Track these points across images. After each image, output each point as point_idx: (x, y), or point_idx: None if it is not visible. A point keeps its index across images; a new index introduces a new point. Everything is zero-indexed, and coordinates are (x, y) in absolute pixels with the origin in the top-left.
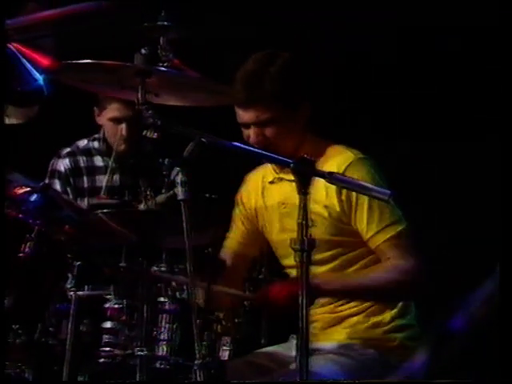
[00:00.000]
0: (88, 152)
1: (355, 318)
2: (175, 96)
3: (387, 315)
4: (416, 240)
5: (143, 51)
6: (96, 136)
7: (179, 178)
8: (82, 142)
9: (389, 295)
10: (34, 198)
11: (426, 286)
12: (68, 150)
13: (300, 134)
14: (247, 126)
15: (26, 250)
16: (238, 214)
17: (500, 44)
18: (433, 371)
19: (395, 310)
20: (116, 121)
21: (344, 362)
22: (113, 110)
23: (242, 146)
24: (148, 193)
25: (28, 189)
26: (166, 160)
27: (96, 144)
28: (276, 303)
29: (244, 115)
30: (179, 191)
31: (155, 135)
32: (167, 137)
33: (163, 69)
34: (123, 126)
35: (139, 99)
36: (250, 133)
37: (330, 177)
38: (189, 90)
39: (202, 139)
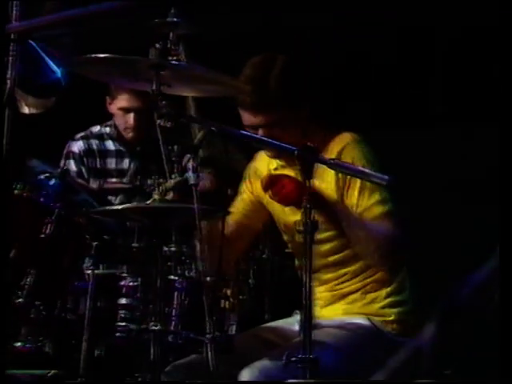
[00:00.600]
0: (100, 136)
1: (353, 296)
2: (186, 87)
3: (383, 292)
4: (400, 219)
5: (157, 46)
6: (108, 123)
7: (190, 164)
8: (95, 128)
9: (374, 241)
10: (52, 182)
11: (400, 253)
12: (82, 134)
13: (303, 128)
14: (255, 127)
15: (47, 231)
16: (244, 187)
17: (497, 44)
18: (439, 345)
19: (390, 288)
20: (125, 110)
21: (343, 335)
22: (122, 101)
23: (250, 134)
24: (158, 178)
25: (47, 174)
26: (176, 147)
27: (108, 129)
28: (287, 196)
29: (251, 119)
30: (191, 176)
31: (169, 124)
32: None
33: (175, 62)
34: (131, 115)
35: (154, 90)
36: (258, 133)
37: (331, 163)
38: (198, 82)
39: (212, 128)
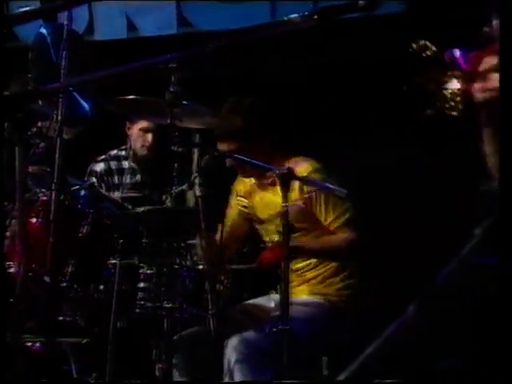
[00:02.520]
0: (118, 158)
1: (315, 280)
2: (192, 121)
3: (337, 278)
4: (358, 221)
5: (171, 89)
6: (123, 147)
7: (197, 181)
8: (113, 151)
9: (338, 252)
10: (82, 193)
11: (361, 250)
12: (102, 157)
13: (267, 154)
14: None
15: (84, 231)
16: (233, 200)
17: None
18: (420, 323)
19: (343, 275)
20: (145, 131)
21: (308, 311)
22: (143, 123)
23: (243, 157)
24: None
25: (77, 186)
26: (176, 165)
27: (123, 152)
28: (269, 264)
29: (220, 145)
30: (197, 190)
31: (180, 149)
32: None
33: (185, 102)
34: (149, 135)
35: (169, 123)
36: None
37: (304, 180)
38: (201, 117)
39: (215, 153)
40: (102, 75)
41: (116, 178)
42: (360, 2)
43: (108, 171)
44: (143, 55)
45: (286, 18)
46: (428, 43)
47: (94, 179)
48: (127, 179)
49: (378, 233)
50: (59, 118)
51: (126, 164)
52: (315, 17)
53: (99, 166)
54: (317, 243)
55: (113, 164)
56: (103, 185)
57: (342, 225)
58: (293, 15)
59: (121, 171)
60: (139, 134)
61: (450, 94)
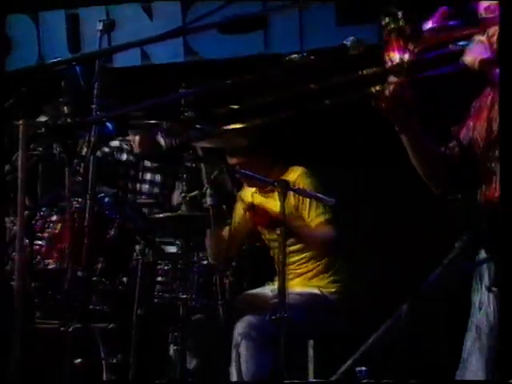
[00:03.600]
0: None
1: (308, 274)
2: (205, 141)
3: (328, 273)
4: (338, 225)
5: (187, 114)
6: (124, 139)
7: (208, 192)
8: (116, 142)
9: (314, 243)
10: (106, 200)
11: (337, 248)
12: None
13: (267, 167)
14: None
15: (111, 234)
16: (237, 205)
17: None
18: (411, 319)
19: (332, 270)
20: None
21: (302, 300)
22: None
23: (246, 172)
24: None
25: (102, 194)
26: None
27: (125, 145)
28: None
29: (229, 160)
30: (208, 200)
31: (194, 164)
32: None
33: (199, 126)
34: (137, 137)
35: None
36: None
37: (298, 192)
38: (211, 138)
39: (223, 167)
40: (131, 109)
41: (140, 174)
42: (347, 45)
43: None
44: (155, 80)
45: (287, 58)
46: (399, 14)
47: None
48: (147, 176)
49: (366, 235)
50: (92, 138)
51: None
52: (312, 57)
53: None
54: (301, 225)
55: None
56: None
57: (320, 223)
58: (293, 55)
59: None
60: (130, 137)
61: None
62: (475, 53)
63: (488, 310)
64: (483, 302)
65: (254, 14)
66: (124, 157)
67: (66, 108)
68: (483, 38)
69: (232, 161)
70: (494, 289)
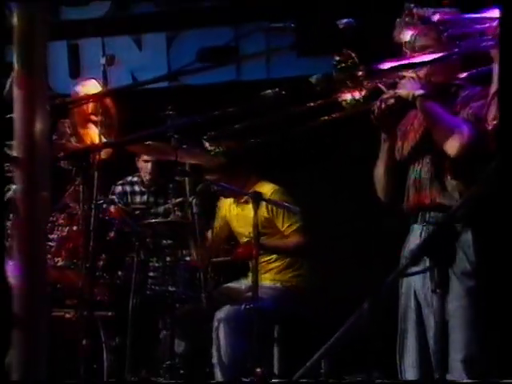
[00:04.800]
0: (131, 183)
1: (275, 270)
2: (189, 158)
3: (291, 269)
4: (307, 230)
5: (176, 136)
6: (136, 174)
7: (194, 202)
8: (129, 178)
9: (290, 249)
10: (105, 206)
11: (308, 251)
12: (121, 181)
13: (242, 181)
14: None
15: (111, 235)
16: (218, 212)
17: None
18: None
19: (295, 267)
20: (146, 162)
21: (270, 292)
22: (145, 156)
23: (225, 185)
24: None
25: (102, 201)
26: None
27: (136, 178)
28: (241, 257)
29: (208, 176)
30: (194, 208)
31: (183, 179)
32: None
33: (185, 146)
34: (149, 164)
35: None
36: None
37: (269, 201)
38: (195, 156)
39: (208, 181)
40: (134, 139)
41: (129, 198)
42: (313, 82)
43: (123, 193)
44: (143, 102)
45: (262, 93)
46: (352, 53)
47: (115, 197)
48: (137, 199)
49: (324, 238)
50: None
51: (136, 187)
52: (283, 92)
53: (118, 189)
54: (275, 243)
55: (127, 187)
56: (121, 201)
57: (293, 231)
58: (268, 91)
59: (132, 193)
60: (143, 165)
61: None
62: (408, 87)
63: (432, 309)
64: (429, 302)
65: (227, 46)
66: (137, 188)
67: (68, 129)
68: (413, 74)
69: (210, 176)
70: (438, 290)
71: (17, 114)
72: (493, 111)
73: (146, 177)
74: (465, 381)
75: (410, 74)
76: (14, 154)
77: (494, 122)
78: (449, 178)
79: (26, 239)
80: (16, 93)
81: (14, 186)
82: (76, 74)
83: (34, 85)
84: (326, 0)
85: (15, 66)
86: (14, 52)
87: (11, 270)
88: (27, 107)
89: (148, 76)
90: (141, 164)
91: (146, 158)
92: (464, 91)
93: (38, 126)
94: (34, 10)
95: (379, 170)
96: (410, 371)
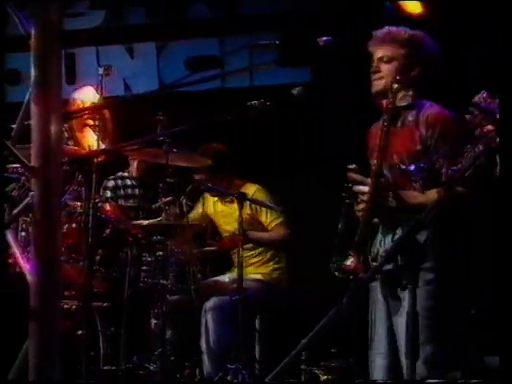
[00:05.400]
0: (122, 177)
1: (257, 264)
2: (179, 161)
3: (271, 263)
4: (289, 225)
5: (166, 141)
6: (126, 170)
7: (184, 201)
8: (120, 173)
9: (275, 244)
10: (100, 204)
11: (289, 244)
12: (113, 176)
13: (227, 181)
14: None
15: (107, 232)
16: (198, 205)
17: None
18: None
19: (275, 260)
20: (133, 160)
21: (253, 284)
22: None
23: (211, 186)
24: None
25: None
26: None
27: (126, 174)
28: (226, 247)
29: (197, 176)
30: (184, 208)
31: (173, 180)
32: None
33: (175, 150)
34: (135, 162)
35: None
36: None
37: (253, 201)
38: (184, 158)
39: (196, 183)
40: (131, 145)
41: (122, 191)
42: (295, 94)
43: (116, 186)
44: (135, 107)
45: (249, 104)
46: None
47: (108, 192)
48: (129, 192)
49: (302, 231)
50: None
51: (127, 182)
52: (268, 103)
53: (111, 183)
54: (260, 234)
55: (119, 181)
56: (113, 195)
57: (276, 224)
58: (254, 102)
59: (124, 187)
60: (131, 163)
61: None
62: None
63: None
64: (404, 297)
65: (213, 56)
66: (128, 182)
67: (65, 133)
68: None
69: (199, 177)
70: (409, 286)
71: (33, 128)
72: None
73: (134, 174)
74: (434, 381)
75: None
76: (32, 163)
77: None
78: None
79: (42, 241)
80: (33, 108)
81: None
82: (72, 80)
83: (49, 101)
84: (308, 19)
85: (32, 84)
86: (32, 72)
87: (29, 268)
88: (43, 122)
89: (139, 83)
90: (130, 162)
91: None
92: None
93: (53, 138)
94: (50, 35)
95: None
96: (379, 357)
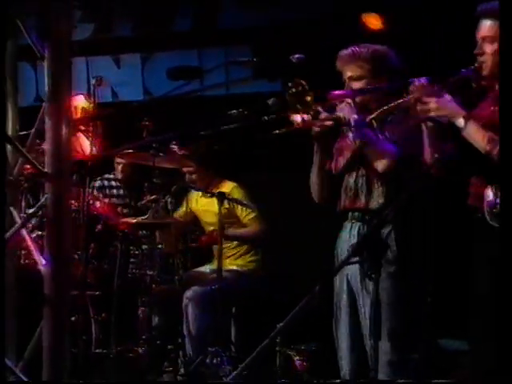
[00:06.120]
0: (108, 179)
1: (234, 256)
2: (166, 163)
3: (247, 255)
4: (263, 220)
5: (154, 145)
6: (113, 172)
7: (169, 200)
8: (106, 175)
9: (250, 239)
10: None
11: (266, 239)
12: (99, 178)
13: (208, 180)
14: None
15: (98, 228)
16: (185, 203)
17: None
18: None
19: (251, 253)
20: (118, 164)
21: (230, 275)
22: (119, 160)
23: (192, 185)
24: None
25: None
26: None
27: (112, 175)
28: (206, 243)
29: (185, 169)
30: (169, 205)
31: (159, 181)
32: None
33: (161, 154)
34: (120, 165)
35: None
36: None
37: (230, 199)
38: (171, 161)
39: (181, 184)
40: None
41: (107, 191)
42: (269, 104)
43: (103, 186)
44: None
45: (228, 113)
46: (302, 82)
47: (95, 191)
48: (114, 192)
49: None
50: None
51: (112, 182)
52: (245, 113)
53: (98, 183)
54: (236, 232)
55: (106, 182)
56: (100, 195)
57: (250, 219)
58: (233, 111)
59: (110, 187)
60: (116, 166)
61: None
62: (344, 111)
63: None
64: (369, 286)
65: (194, 67)
66: (113, 183)
67: None
68: (349, 100)
69: (187, 170)
70: (373, 276)
71: (48, 139)
72: (428, 151)
73: (119, 176)
74: (399, 381)
75: (348, 100)
76: (46, 169)
77: (436, 156)
78: (376, 186)
79: (55, 237)
80: (47, 122)
81: None
82: None
83: (61, 115)
84: (282, 36)
85: (46, 99)
86: (47, 89)
87: (42, 260)
88: (56, 133)
89: (125, 90)
90: (116, 165)
91: (118, 160)
92: (394, 117)
93: (64, 148)
94: (62, 53)
95: (313, 177)
96: (343, 340)
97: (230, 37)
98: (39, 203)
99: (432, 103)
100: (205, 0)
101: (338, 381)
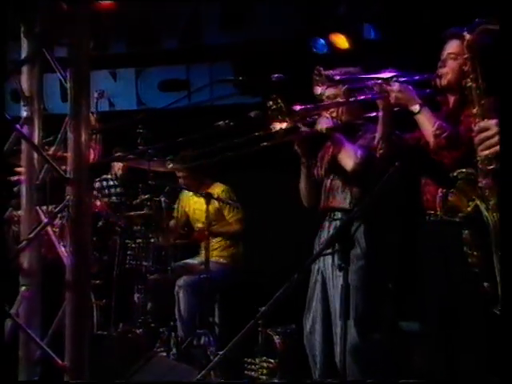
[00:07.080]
0: (106, 179)
1: (219, 249)
2: (160, 167)
3: (230, 248)
4: (244, 220)
5: (150, 152)
6: (109, 173)
7: (163, 199)
8: (104, 176)
9: (232, 236)
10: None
11: (242, 235)
12: (98, 179)
13: (198, 181)
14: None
15: (99, 224)
16: (179, 204)
17: None
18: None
19: (233, 247)
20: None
21: (218, 265)
22: (119, 163)
23: (185, 187)
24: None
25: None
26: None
27: (109, 176)
28: (196, 239)
29: (178, 174)
30: (163, 204)
31: (154, 183)
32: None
33: (155, 159)
34: (119, 165)
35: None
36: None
37: (217, 199)
38: (164, 165)
39: (173, 186)
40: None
41: (106, 191)
42: (252, 116)
43: (102, 187)
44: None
45: (215, 124)
46: (279, 98)
47: (95, 191)
48: (112, 191)
49: (256, 221)
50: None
51: (111, 182)
52: (231, 123)
53: (97, 184)
54: (221, 230)
55: (104, 182)
56: (100, 195)
57: (234, 219)
58: (220, 122)
59: (108, 187)
60: (115, 164)
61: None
62: (322, 124)
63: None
64: (339, 275)
65: (182, 80)
66: (111, 182)
67: None
68: (327, 114)
69: (180, 174)
70: (343, 265)
71: (70, 150)
72: (380, 143)
73: (119, 173)
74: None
75: (325, 114)
76: (68, 175)
77: (381, 151)
78: (348, 186)
79: (77, 232)
80: (69, 135)
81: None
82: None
83: (81, 128)
84: (263, 57)
85: (68, 115)
86: (69, 106)
87: (65, 252)
88: (76, 144)
89: (120, 101)
90: (112, 165)
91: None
92: (364, 126)
93: (83, 157)
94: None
95: (301, 185)
96: (316, 322)
97: (214, 54)
98: (62, 204)
99: (396, 86)
100: (190, 21)
101: (337, 381)
